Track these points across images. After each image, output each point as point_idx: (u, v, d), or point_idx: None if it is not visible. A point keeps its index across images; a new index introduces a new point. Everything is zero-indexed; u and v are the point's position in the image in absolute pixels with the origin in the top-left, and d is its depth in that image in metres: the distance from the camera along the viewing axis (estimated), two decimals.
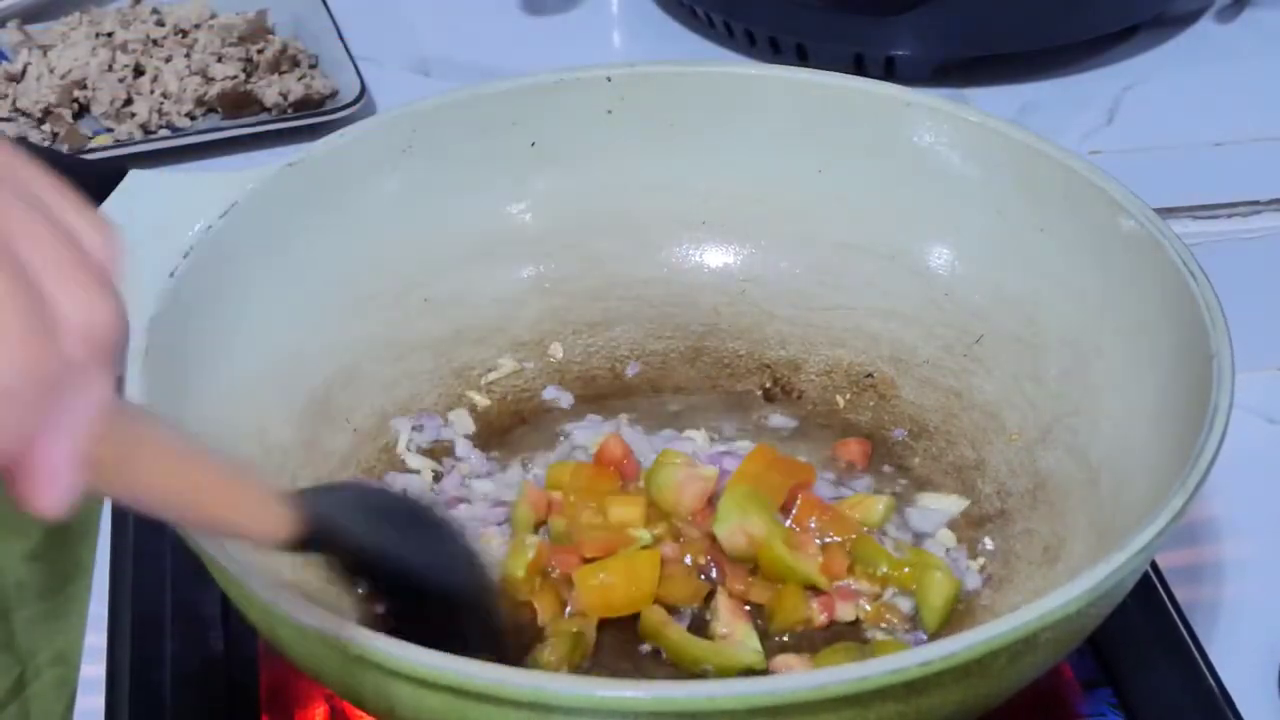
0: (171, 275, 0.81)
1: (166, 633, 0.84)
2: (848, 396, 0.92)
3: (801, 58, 1.15)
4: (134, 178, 0.87)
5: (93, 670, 0.84)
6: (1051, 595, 0.66)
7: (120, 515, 0.91)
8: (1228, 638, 0.85)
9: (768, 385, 0.93)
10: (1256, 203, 1.06)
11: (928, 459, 0.88)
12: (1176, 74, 1.16)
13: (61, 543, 1.12)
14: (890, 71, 1.14)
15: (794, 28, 1.16)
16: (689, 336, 0.95)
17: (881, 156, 0.92)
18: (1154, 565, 0.85)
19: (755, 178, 0.95)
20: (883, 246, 0.93)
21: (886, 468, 0.88)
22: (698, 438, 0.90)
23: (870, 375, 0.92)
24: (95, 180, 0.86)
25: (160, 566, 0.86)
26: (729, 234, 0.96)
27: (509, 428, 0.91)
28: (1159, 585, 0.85)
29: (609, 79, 0.94)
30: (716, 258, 0.96)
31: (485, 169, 0.94)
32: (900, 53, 1.15)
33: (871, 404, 0.91)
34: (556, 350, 0.94)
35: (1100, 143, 1.08)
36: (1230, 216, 1.05)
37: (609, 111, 0.94)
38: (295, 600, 0.66)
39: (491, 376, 0.93)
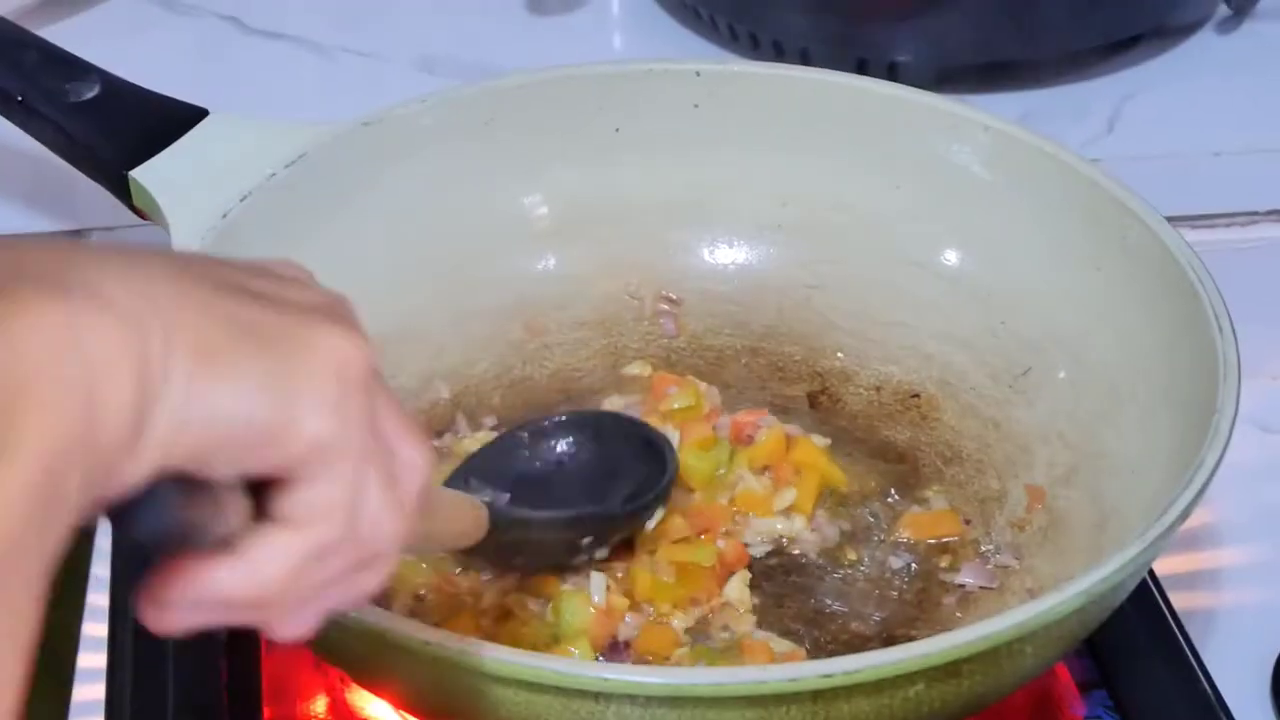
0: (224, 217, 0.82)
1: None
2: (891, 414, 0.92)
3: (805, 62, 1.16)
4: (214, 120, 0.89)
5: (94, 660, 0.84)
6: (1049, 595, 0.67)
7: None
8: (1222, 643, 0.85)
9: (815, 392, 0.93)
10: (1254, 213, 1.07)
11: (953, 486, 0.88)
12: (1177, 84, 1.17)
13: None
14: (893, 77, 1.15)
15: (798, 31, 1.16)
16: (748, 336, 0.95)
17: (957, 181, 0.92)
18: (1151, 572, 0.86)
19: (833, 187, 0.95)
20: (949, 269, 0.93)
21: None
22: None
23: (916, 395, 0.92)
24: (175, 119, 0.88)
25: None
26: (801, 239, 0.96)
27: (553, 404, 0.91)
28: (1155, 591, 0.85)
29: (698, 73, 0.95)
30: (786, 261, 0.96)
31: (566, 149, 0.94)
32: (903, 58, 1.15)
33: (913, 424, 0.91)
34: (615, 334, 0.94)
35: (1100, 151, 1.09)
36: (1229, 226, 1.05)
37: (696, 106, 0.95)
38: None
39: (545, 353, 0.93)
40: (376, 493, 0.51)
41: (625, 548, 0.82)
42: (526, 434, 0.84)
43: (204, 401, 0.46)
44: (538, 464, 0.83)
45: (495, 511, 0.71)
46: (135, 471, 0.45)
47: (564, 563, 0.80)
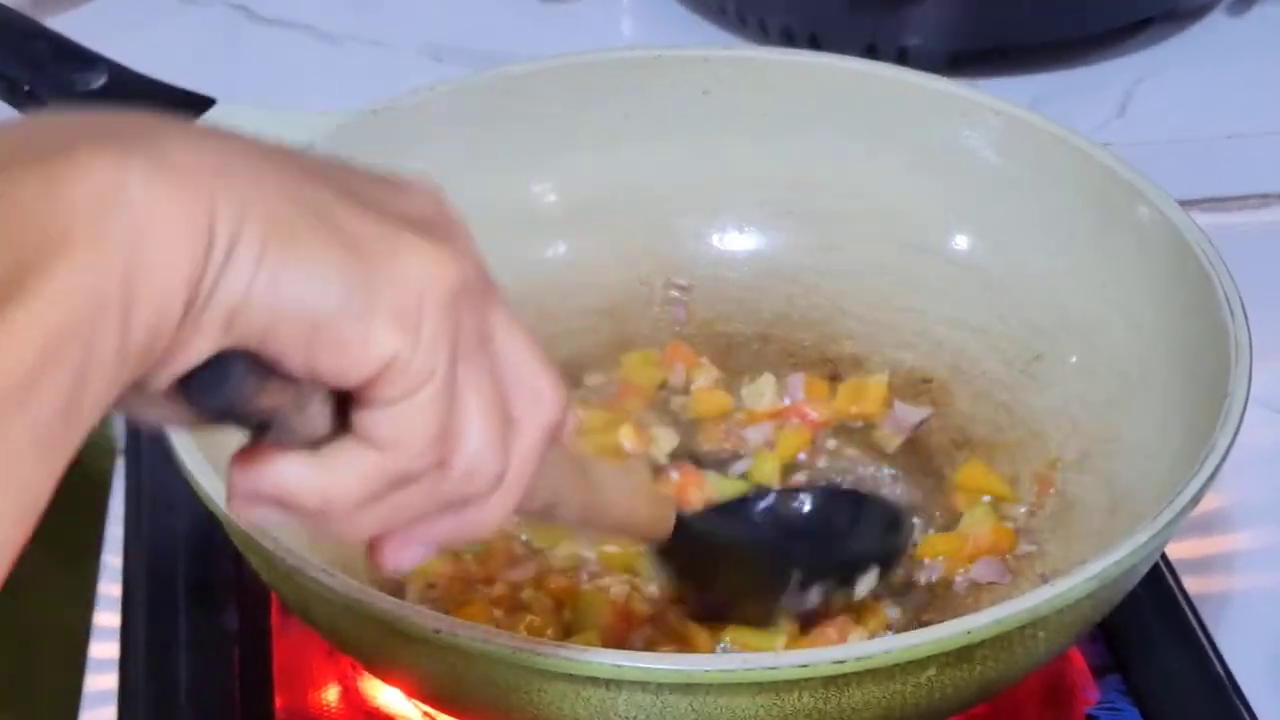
0: None
1: (180, 612, 0.84)
2: (902, 399, 0.91)
3: (814, 47, 1.16)
4: (221, 109, 0.89)
5: (106, 649, 0.84)
6: (1061, 580, 0.67)
7: (133, 496, 0.91)
8: (1236, 627, 0.85)
9: (827, 379, 0.92)
10: (1267, 196, 1.07)
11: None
12: (1188, 67, 1.17)
13: (70, 525, 1.12)
14: (903, 61, 1.14)
15: (807, 16, 1.16)
16: (758, 322, 0.95)
17: (968, 166, 0.92)
18: (1163, 555, 0.86)
19: (843, 172, 0.94)
20: (959, 254, 0.93)
21: None
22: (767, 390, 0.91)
23: (928, 380, 0.92)
24: (182, 109, 0.89)
25: (174, 544, 0.87)
26: (812, 225, 0.95)
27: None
28: (1168, 575, 0.85)
29: (707, 60, 0.95)
30: (797, 247, 0.95)
31: (576, 137, 0.94)
32: (913, 43, 1.15)
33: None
34: (625, 321, 0.94)
35: (1112, 135, 1.09)
36: (1241, 209, 1.05)
37: (705, 92, 0.95)
38: (319, 567, 0.67)
39: (555, 340, 0.93)
40: (479, 426, 0.49)
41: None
42: (763, 496, 0.82)
43: (271, 284, 0.44)
44: (769, 521, 0.81)
45: (686, 515, 0.71)
46: (197, 344, 0.45)
47: (762, 605, 0.77)
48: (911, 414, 0.90)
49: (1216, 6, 1.22)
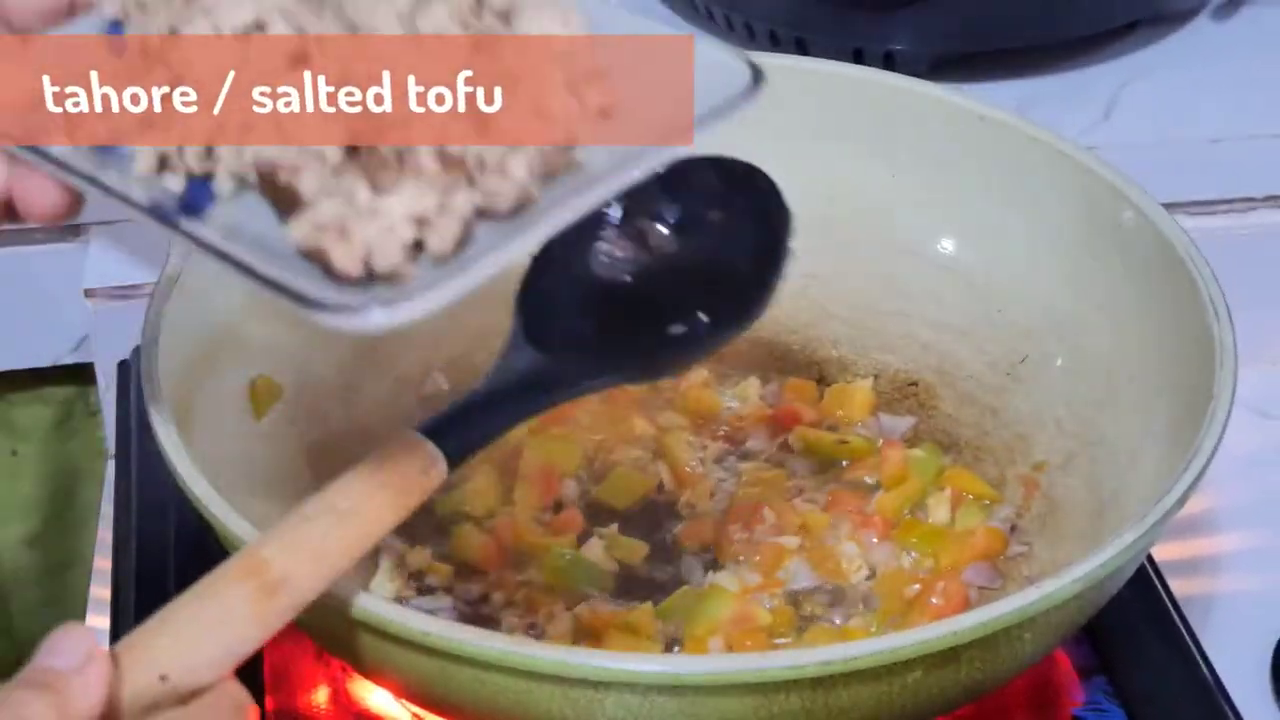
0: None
1: None
2: (889, 402, 0.92)
3: (801, 51, 1.16)
4: None
5: None
6: (1047, 582, 0.67)
7: (122, 500, 0.91)
8: (1221, 629, 0.86)
9: (814, 381, 0.93)
10: (1252, 199, 1.07)
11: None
12: (1174, 71, 1.17)
13: (60, 529, 1.12)
14: (889, 66, 1.15)
15: (794, 21, 1.17)
16: None
17: (953, 169, 0.92)
18: (1149, 558, 0.86)
19: (829, 176, 0.94)
20: (945, 257, 0.93)
21: None
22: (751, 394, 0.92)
23: (914, 384, 0.92)
24: None
25: (164, 550, 0.87)
26: (798, 228, 0.95)
27: None
28: (1154, 577, 0.86)
29: None
30: None
31: None
32: (899, 47, 1.15)
33: (911, 412, 0.91)
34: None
35: (1097, 139, 1.09)
36: (1227, 213, 1.05)
37: None
38: None
39: None
40: None
41: None
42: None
43: None
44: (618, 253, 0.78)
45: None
46: None
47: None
48: (896, 425, 0.90)
49: (1202, 10, 1.23)
